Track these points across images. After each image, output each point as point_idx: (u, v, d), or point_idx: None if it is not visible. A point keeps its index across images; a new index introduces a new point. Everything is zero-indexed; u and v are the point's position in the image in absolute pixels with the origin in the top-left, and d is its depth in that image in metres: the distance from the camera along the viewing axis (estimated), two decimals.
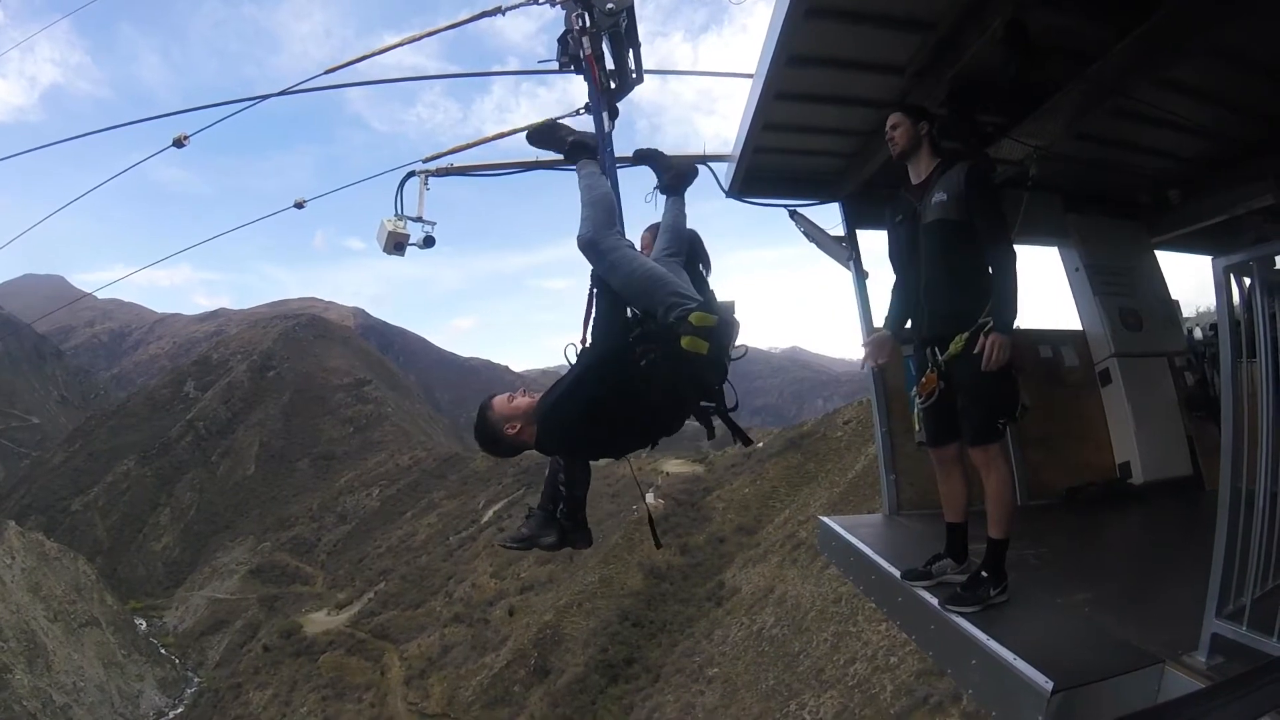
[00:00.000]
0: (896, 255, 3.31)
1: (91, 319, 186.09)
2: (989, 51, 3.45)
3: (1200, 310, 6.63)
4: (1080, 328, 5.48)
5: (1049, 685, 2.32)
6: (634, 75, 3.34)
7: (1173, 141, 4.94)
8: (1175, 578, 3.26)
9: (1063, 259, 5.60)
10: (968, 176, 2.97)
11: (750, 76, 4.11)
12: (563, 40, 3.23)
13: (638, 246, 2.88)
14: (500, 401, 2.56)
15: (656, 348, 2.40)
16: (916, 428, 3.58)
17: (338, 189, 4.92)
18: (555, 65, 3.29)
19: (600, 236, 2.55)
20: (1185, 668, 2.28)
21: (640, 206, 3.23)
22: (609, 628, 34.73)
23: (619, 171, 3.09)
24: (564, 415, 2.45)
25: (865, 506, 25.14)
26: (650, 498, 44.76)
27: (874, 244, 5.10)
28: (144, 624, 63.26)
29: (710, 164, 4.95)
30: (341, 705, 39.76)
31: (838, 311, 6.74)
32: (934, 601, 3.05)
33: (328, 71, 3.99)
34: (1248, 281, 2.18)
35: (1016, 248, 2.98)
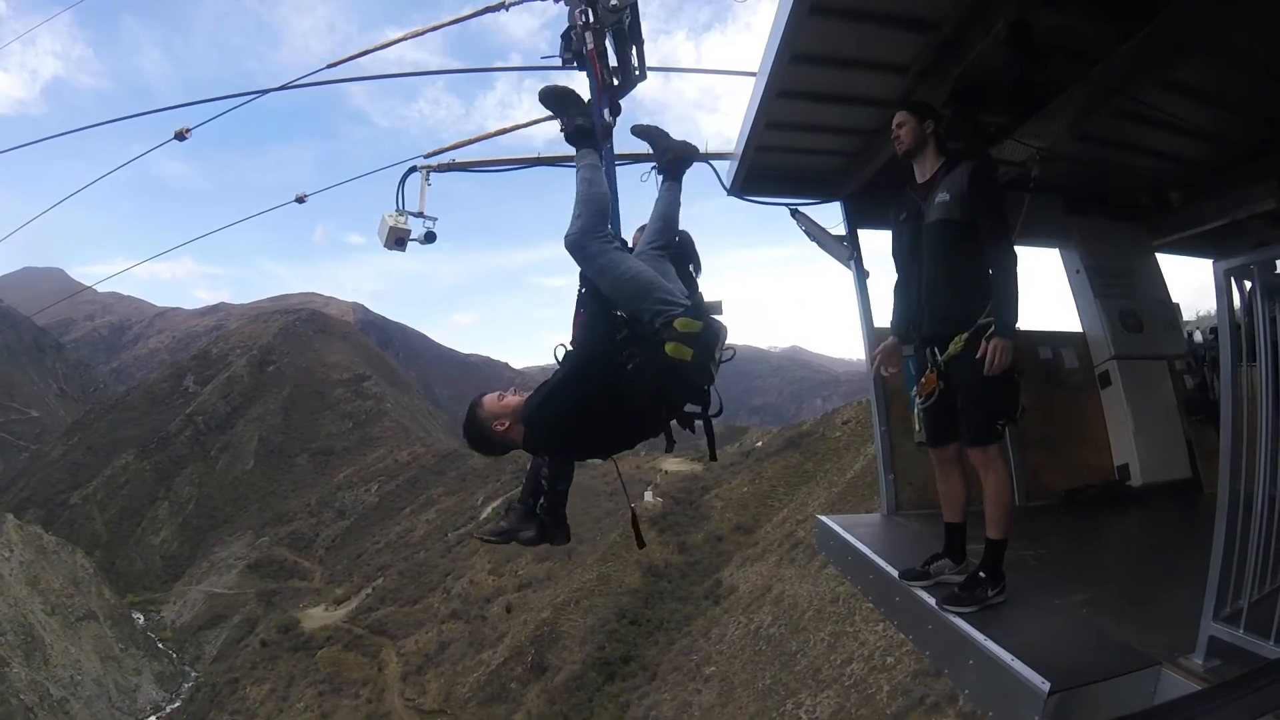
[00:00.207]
0: (900, 254, 3.31)
1: (91, 312, 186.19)
2: (992, 52, 3.44)
3: (1200, 313, 6.61)
4: (1080, 329, 5.48)
5: (1046, 686, 2.32)
6: (637, 72, 3.32)
7: (1175, 144, 4.94)
8: (1173, 580, 3.26)
9: (1063, 260, 5.60)
10: (972, 176, 2.96)
11: (753, 74, 4.10)
12: (566, 36, 3.22)
13: (631, 245, 2.86)
14: (491, 399, 2.57)
15: (642, 352, 2.41)
16: (916, 428, 3.58)
17: (339, 184, 4.92)
18: (558, 61, 3.27)
19: (587, 240, 2.53)
20: (1182, 670, 2.28)
21: (638, 204, 3.22)
22: (606, 625, 34.80)
23: (618, 170, 3.09)
24: (550, 415, 2.46)
25: (864, 506, 25.14)
26: (648, 495, 44.84)
27: (875, 243, 5.09)
28: (141, 618, 63.38)
29: (712, 162, 4.93)
30: (338, 701, 39.80)
31: (838, 311, 6.75)
32: (932, 601, 3.05)
33: (330, 66, 4.00)
34: (1248, 285, 2.18)
35: (1017, 249, 2.97)
